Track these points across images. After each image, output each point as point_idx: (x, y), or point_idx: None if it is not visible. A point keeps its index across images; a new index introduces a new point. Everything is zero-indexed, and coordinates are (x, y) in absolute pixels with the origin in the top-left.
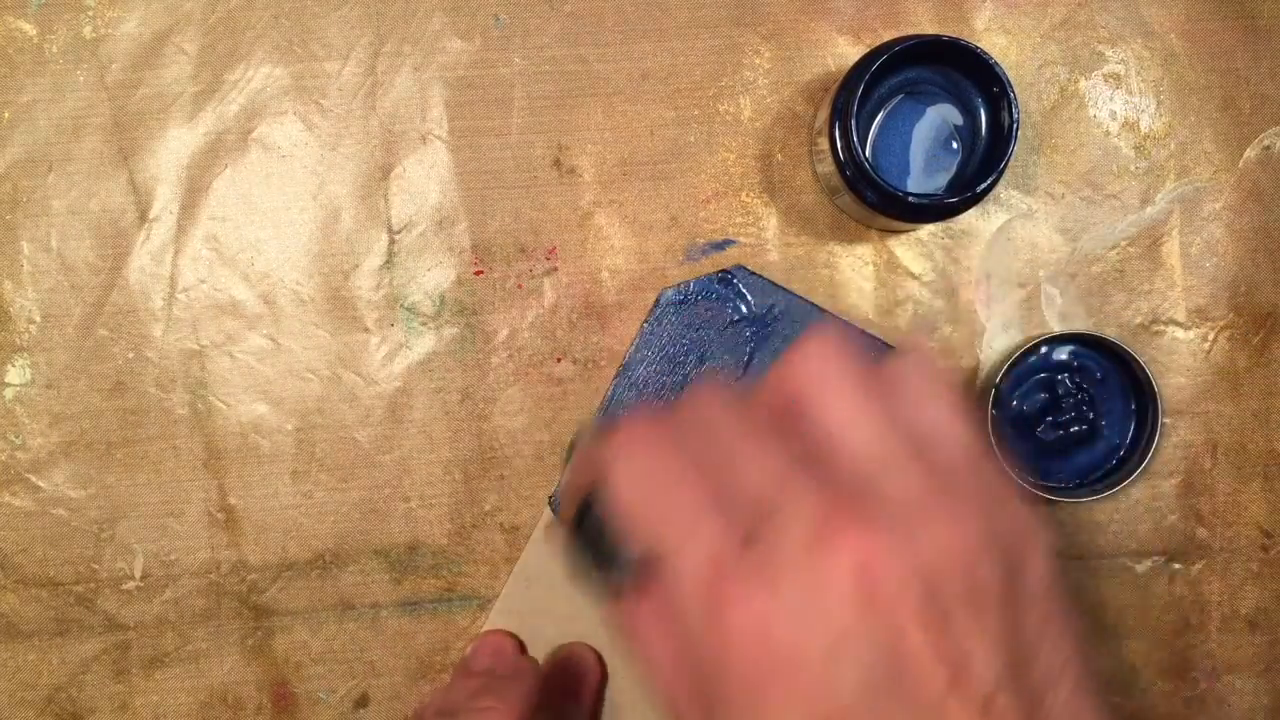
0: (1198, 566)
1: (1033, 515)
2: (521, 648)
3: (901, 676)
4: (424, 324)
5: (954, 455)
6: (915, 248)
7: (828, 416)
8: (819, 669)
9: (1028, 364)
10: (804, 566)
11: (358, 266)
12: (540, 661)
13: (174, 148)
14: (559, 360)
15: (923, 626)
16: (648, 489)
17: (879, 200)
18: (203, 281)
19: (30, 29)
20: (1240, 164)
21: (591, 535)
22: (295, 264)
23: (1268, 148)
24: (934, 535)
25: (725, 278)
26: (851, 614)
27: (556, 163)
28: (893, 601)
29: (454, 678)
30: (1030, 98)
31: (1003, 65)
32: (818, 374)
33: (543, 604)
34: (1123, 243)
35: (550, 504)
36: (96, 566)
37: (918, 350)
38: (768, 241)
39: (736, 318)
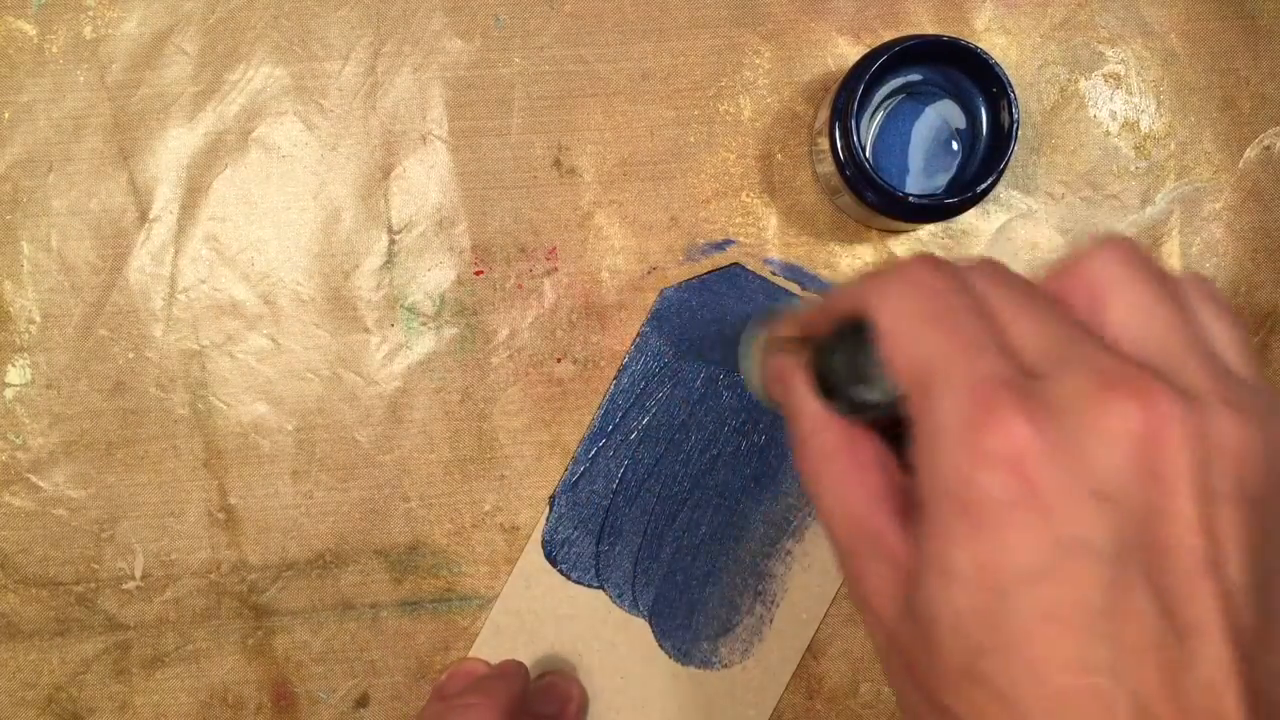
0: None
1: None
2: None
3: (1159, 541)
4: (424, 324)
5: (1239, 365)
6: (915, 248)
7: (1119, 308)
8: (1075, 509)
9: None
10: (1087, 410)
11: (358, 266)
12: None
13: (174, 148)
14: (559, 360)
15: (1191, 499)
16: (923, 313)
17: (879, 200)
18: (203, 281)
19: (30, 29)
20: (1240, 164)
21: (848, 356)
22: (295, 264)
23: (1268, 148)
24: (1225, 422)
25: (725, 277)
26: (1124, 467)
27: (556, 163)
28: (1168, 468)
29: (430, 701)
30: (1030, 98)
31: (1003, 65)
32: (1110, 269)
33: (543, 604)
34: None
35: (551, 502)
36: (97, 566)
37: (1201, 275)
38: (768, 241)
39: (737, 317)
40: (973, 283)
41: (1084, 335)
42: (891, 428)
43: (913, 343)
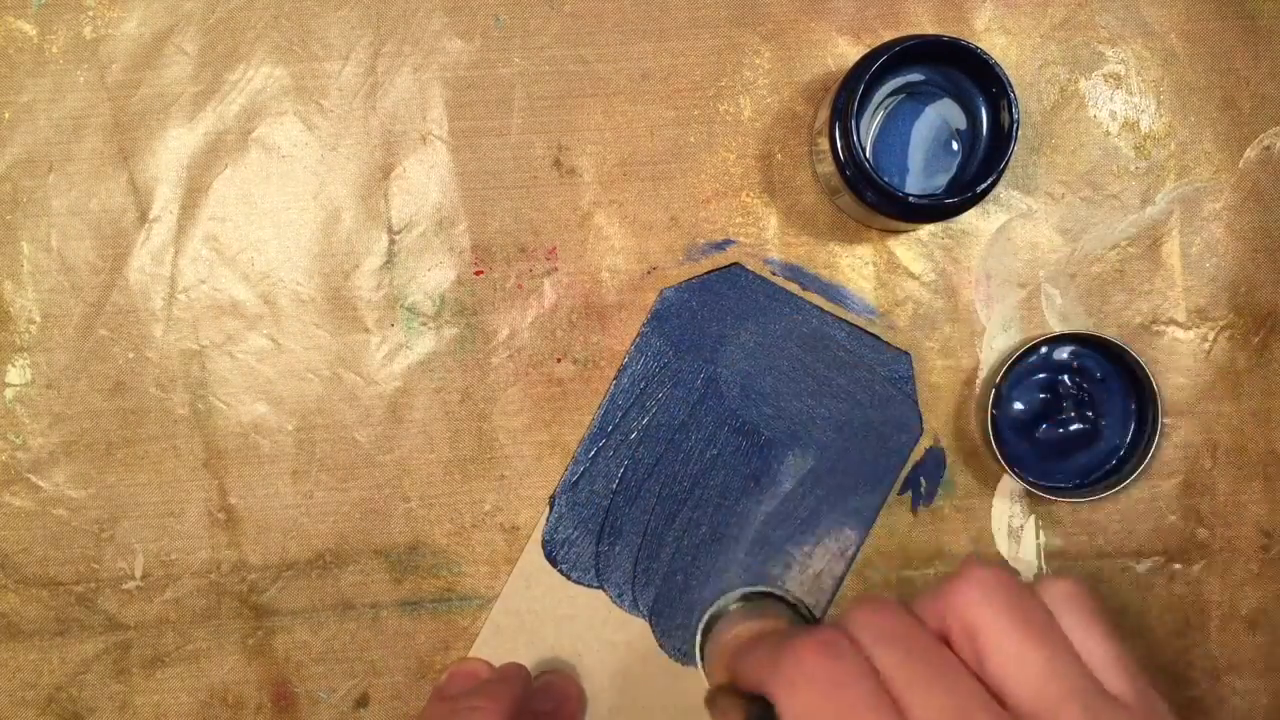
0: (1198, 566)
1: None
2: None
3: None
4: (424, 324)
5: (1122, 692)
6: (915, 248)
7: (998, 657)
8: None
9: (1028, 364)
10: None
11: (358, 266)
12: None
13: (174, 148)
14: (559, 360)
15: None
16: (824, 716)
17: (879, 200)
18: (203, 281)
19: (30, 29)
20: (1240, 164)
21: None
22: (295, 264)
23: (1268, 148)
24: None
25: (725, 277)
26: None
27: (556, 163)
28: None
29: (430, 702)
30: (1030, 98)
31: (1003, 65)
32: (983, 613)
33: (543, 604)
34: (1123, 243)
35: (551, 502)
36: (97, 566)
37: (1069, 581)
38: (768, 241)
39: (737, 317)
40: (871, 660)
41: (978, 703)
42: None
43: None
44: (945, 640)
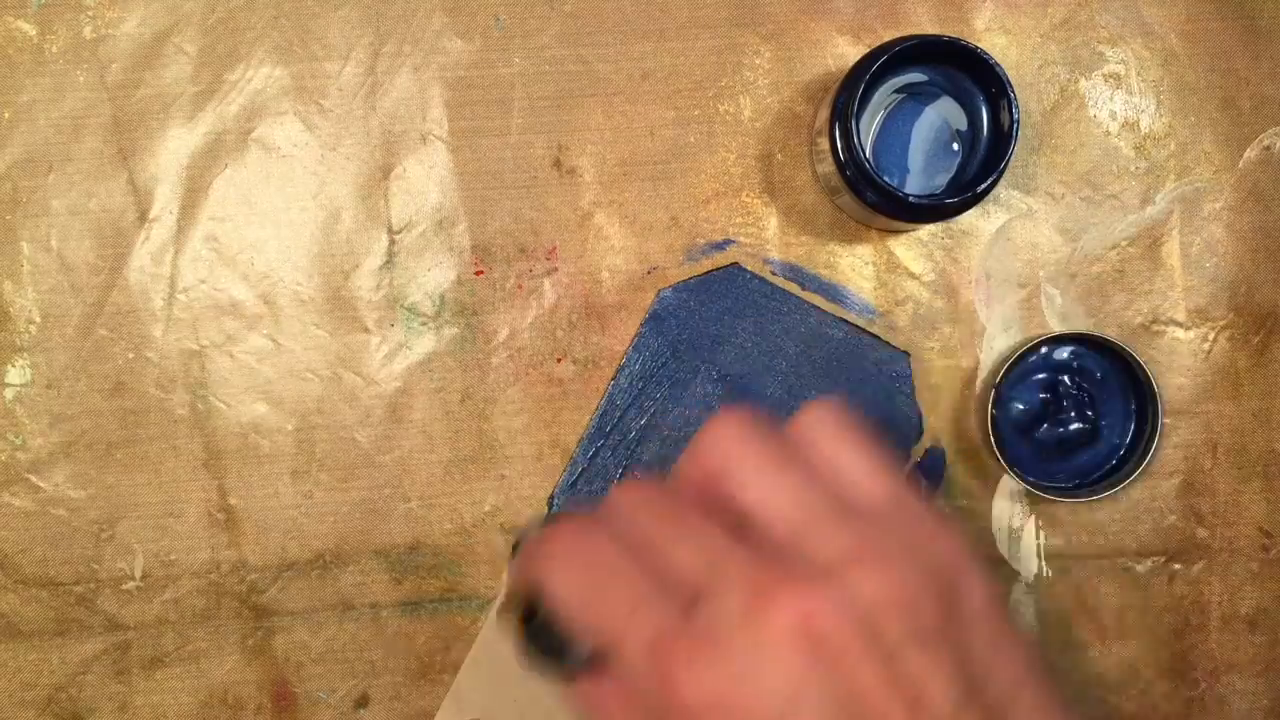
0: (1198, 566)
1: (962, 542)
2: None
3: (867, 710)
4: (424, 324)
5: (875, 500)
6: (915, 248)
7: (747, 492)
8: None
9: (1028, 364)
10: (745, 631)
11: (358, 266)
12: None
13: (174, 148)
14: (559, 360)
15: (872, 667)
16: (584, 584)
17: (879, 200)
18: (203, 282)
19: (30, 29)
20: (1240, 164)
21: (540, 632)
22: (295, 264)
23: (1268, 148)
24: (869, 582)
25: (723, 277)
26: (800, 667)
27: (556, 163)
28: (838, 649)
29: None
30: (1030, 98)
31: (1003, 65)
32: (730, 453)
33: None
34: (1123, 243)
35: (549, 503)
36: (96, 566)
37: (821, 404)
38: (768, 241)
39: (735, 317)
40: (622, 521)
41: (726, 544)
42: None
43: (584, 612)
44: (706, 494)
